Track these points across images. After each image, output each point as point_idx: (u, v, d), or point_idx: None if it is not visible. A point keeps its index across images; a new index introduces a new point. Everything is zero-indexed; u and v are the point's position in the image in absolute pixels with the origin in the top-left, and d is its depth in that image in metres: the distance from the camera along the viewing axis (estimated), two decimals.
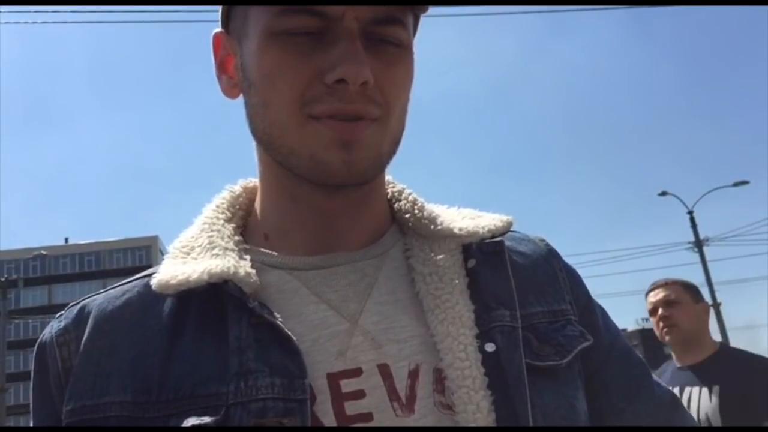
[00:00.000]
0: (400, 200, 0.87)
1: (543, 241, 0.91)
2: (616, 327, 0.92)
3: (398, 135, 0.78)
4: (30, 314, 48.40)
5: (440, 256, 0.79)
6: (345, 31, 0.71)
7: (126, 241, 58.96)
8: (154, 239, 58.25)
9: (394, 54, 0.75)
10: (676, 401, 0.91)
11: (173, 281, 0.73)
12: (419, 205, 0.85)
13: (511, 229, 0.86)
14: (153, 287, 0.74)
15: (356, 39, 0.71)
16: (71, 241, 59.86)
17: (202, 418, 0.67)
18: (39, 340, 0.79)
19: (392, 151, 0.77)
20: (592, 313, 0.88)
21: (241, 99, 0.80)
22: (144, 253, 56.96)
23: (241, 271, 0.73)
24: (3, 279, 24.61)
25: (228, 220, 0.83)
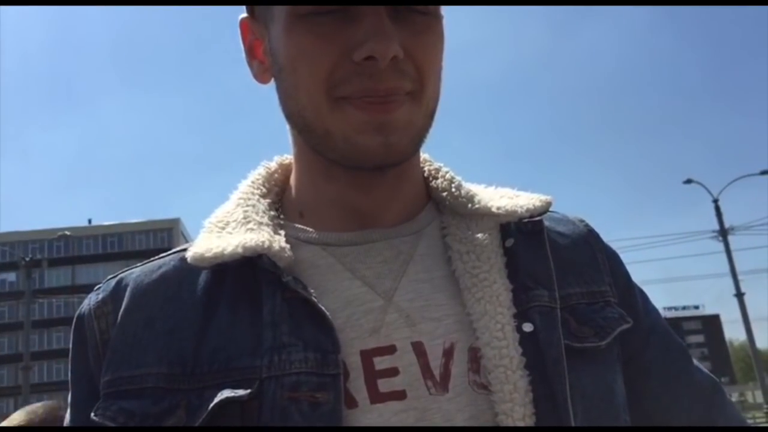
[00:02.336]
0: (437, 178, 0.86)
1: (583, 221, 0.89)
2: (656, 310, 0.90)
3: (433, 106, 0.76)
4: (54, 294, 49.07)
5: (478, 235, 0.78)
6: (370, 6, 0.70)
7: (148, 223, 59.37)
8: (176, 221, 58.56)
9: (422, 22, 0.73)
10: (716, 387, 0.88)
11: (208, 254, 0.73)
12: (456, 183, 0.84)
13: (550, 210, 0.84)
14: (188, 260, 0.75)
15: (382, 12, 0.70)
16: (94, 223, 60.45)
17: (236, 390, 0.67)
18: (77, 313, 0.79)
19: (428, 124, 0.76)
20: (632, 296, 0.86)
21: (272, 84, 0.79)
22: (166, 235, 57.29)
23: (276, 246, 0.73)
24: (28, 259, 24.93)
25: (263, 196, 0.83)
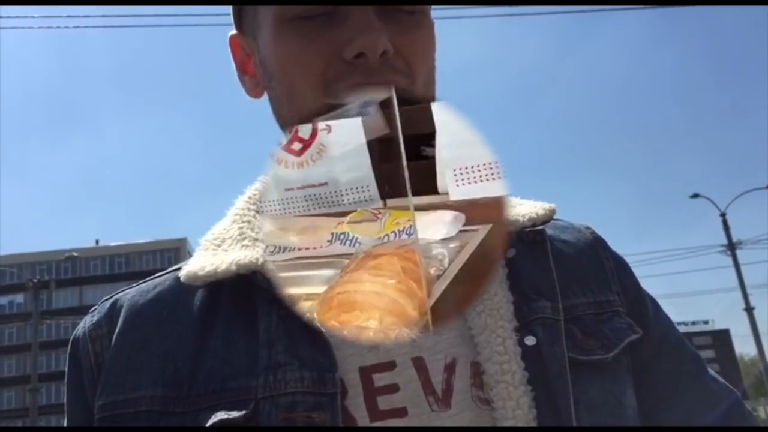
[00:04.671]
0: None
1: (589, 229, 0.88)
2: (668, 318, 0.88)
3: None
4: (61, 315, 49.02)
5: None
6: (357, 6, 0.70)
7: (155, 243, 59.47)
8: (183, 241, 58.64)
9: (410, 20, 0.73)
10: (733, 397, 0.85)
11: (201, 272, 0.72)
12: None
13: (555, 218, 0.82)
14: (182, 279, 0.74)
15: (369, 10, 0.70)
16: (101, 243, 60.55)
17: (231, 412, 0.65)
18: (73, 335, 0.79)
19: None
20: (641, 304, 0.84)
21: (265, 98, 0.78)
22: (173, 255, 57.33)
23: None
24: (35, 280, 24.96)
25: (260, 211, 0.82)
